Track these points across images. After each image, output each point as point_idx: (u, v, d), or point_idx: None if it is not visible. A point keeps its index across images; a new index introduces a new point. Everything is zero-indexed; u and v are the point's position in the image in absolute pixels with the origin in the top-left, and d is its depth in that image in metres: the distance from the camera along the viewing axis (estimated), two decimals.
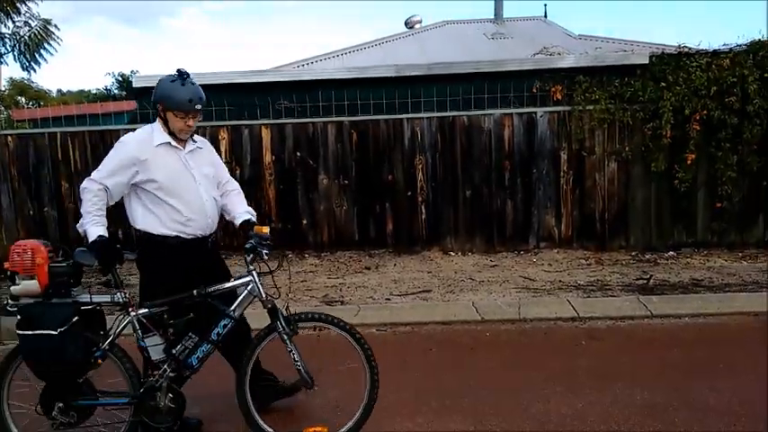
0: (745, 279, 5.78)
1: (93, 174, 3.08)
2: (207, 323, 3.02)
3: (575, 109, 6.84)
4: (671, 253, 6.82)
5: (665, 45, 9.00)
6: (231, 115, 7.15)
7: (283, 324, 2.99)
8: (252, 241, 2.98)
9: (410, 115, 7.04)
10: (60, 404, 2.95)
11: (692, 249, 6.87)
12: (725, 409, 3.44)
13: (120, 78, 23.56)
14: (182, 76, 3.04)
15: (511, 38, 13.15)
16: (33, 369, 2.91)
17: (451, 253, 7.09)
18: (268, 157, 7.08)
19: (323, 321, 3.06)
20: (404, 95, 7.12)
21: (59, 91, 27.39)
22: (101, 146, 7.12)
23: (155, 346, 3.00)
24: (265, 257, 2.97)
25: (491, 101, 7.06)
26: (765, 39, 6.55)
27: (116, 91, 22.70)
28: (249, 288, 3.03)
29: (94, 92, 24.06)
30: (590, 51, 8.81)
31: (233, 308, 3.04)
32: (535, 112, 6.94)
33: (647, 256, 6.73)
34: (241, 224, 3.21)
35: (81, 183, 3.16)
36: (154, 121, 3.21)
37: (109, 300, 2.99)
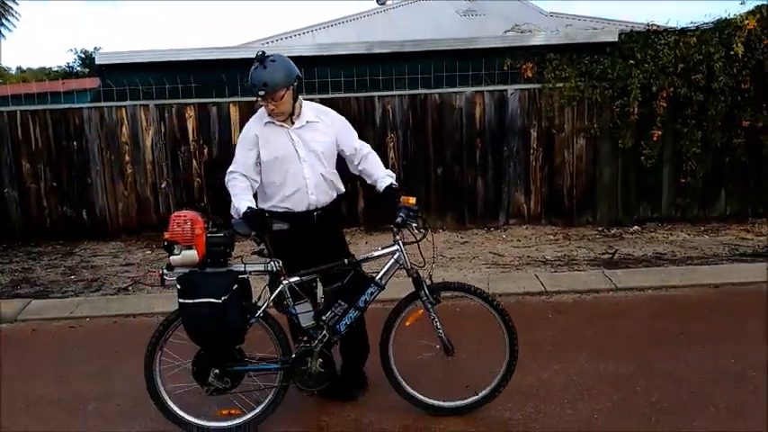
0: (706, 252, 5.93)
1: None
2: (355, 291, 3.13)
3: (545, 87, 6.87)
4: (636, 228, 6.95)
5: (634, 23, 9.09)
6: (198, 93, 7.01)
7: (427, 293, 3.11)
8: (401, 214, 3.08)
9: (381, 93, 6.99)
10: (216, 370, 3.03)
11: (656, 224, 7.01)
12: (685, 378, 3.55)
13: (83, 55, 22.86)
14: (258, 59, 3.08)
15: (483, 15, 13.11)
16: (194, 337, 2.97)
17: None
18: (237, 136, 6.94)
19: (463, 291, 3.20)
20: (375, 73, 7.06)
21: (19, 68, 26.51)
22: (62, 124, 6.94)
23: (305, 313, 3.12)
24: (415, 231, 3.08)
25: (462, 78, 7.05)
26: (731, 17, 6.65)
27: (79, 68, 22.02)
28: (395, 257, 3.14)
29: (56, 69, 23.31)
30: (561, 29, 8.83)
31: (380, 276, 3.15)
32: (506, 90, 6.95)
33: (613, 231, 6.86)
34: (384, 190, 3.28)
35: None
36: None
37: (262, 268, 3.07)
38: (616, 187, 7.03)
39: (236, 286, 2.92)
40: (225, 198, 7.67)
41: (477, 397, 3.24)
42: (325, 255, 3.19)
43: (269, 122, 3.22)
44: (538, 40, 7.20)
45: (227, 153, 6.99)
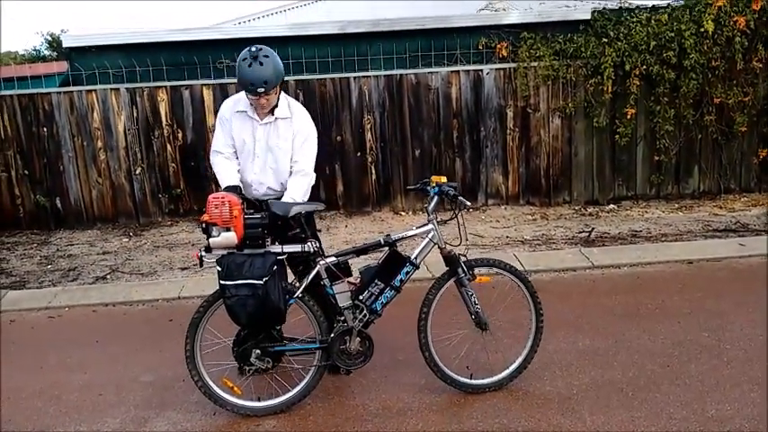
0: (680, 229, 6.06)
1: None
2: (391, 270, 3.18)
3: (520, 66, 6.89)
4: (612, 206, 7.06)
5: (607, 0, 9.10)
6: (170, 75, 6.88)
7: (465, 269, 3.20)
8: (447, 189, 3.16)
9: (357, 74, 6.94)
10: (257, 351, 3.09)
11: (631, 202, 7.13)
12: (659, 351, 3.66)
13: (50, 38, 22.19)
14: (252, 56, 3.06)
15: None
16: (236, 318, 2.99)
17: (402, 212, 7.14)
18: (211, 120, 6.87)
19: (497, 267, 3.30)
20: (350, 53, 6.99)
21: None
22: (31, 110, 6.76)
23: (342, 293, 3.17)
24: (465, 201, 3.15)
25: (438, 58, 7.03)
26: None
27: (46, 52, 21.40)
28: (430, 236, 3.21)
29: (22, 53, 22.63)
30: (535, 7, 8.82)
31: (415, 255, 3.21)
32: (481, 70, 6.94)
33: (590, 210, 6.96)
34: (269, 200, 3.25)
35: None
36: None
37: (299, 250, 3.10)
38: (591, 166, 7.11)
39: (275, 267, 2.95)
40: (202, 183, 7.54)
41: (507, 372, 3.35)
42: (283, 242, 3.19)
43: (240, 111, 3.30)
44: (512, 18, 7.18)
45: (201, 137, 6.92)
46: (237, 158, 3.39)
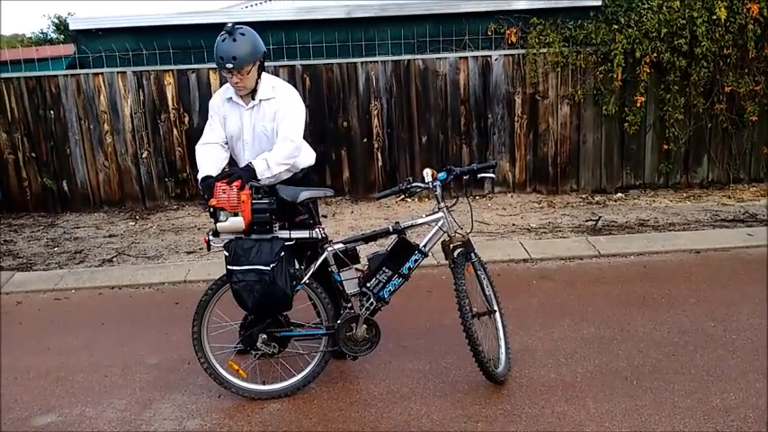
0: (688, 218, 6.02)
1: None
2: (399, 258, 3.18)
3: (529, 52, 6.81)
4: (619, 195, 7.01)
5: None
6: (177, 59, 6.85)
7: (477, 254, 3.31)
8: (456, 170, 3.27)
9: (364, 59, 6.88)
10: (264, 336, 3.11)
11: (639, 191, 7.08)
12: (664, 340, 3.64)
13: (57, 21, 22.12)
14: (228, 31, 3.03)
15: None
16: (243, 303, 2.99)
17: (408, 199, 7.12)
18: None
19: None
20: (357, 38, 6.94)
21: None
22: (38, 93, 6.76)
23: (350, 279, 3.17)
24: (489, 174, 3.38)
25: (446, 43, 6.97)
26: None
27: (53, 35, 21.35)
28: (440, 224, 3.23)
29: (29, 36, 22.59)
30: None
31: (424, 243, 3.21)
32: (490, 56, 6.88)
33: (597, 198, 6.92)
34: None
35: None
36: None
37: (307, 235, 3.10)
38: (600, 154, 7.06)
39: (283, 253, 2.95)
40: None
41: (504, 358, 3.31)
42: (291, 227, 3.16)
43: (229, 99, 3.26)
44: (522, 3, 7.09)
45: (207, 120, 6.88)
46: (227, 151, 3.33)
